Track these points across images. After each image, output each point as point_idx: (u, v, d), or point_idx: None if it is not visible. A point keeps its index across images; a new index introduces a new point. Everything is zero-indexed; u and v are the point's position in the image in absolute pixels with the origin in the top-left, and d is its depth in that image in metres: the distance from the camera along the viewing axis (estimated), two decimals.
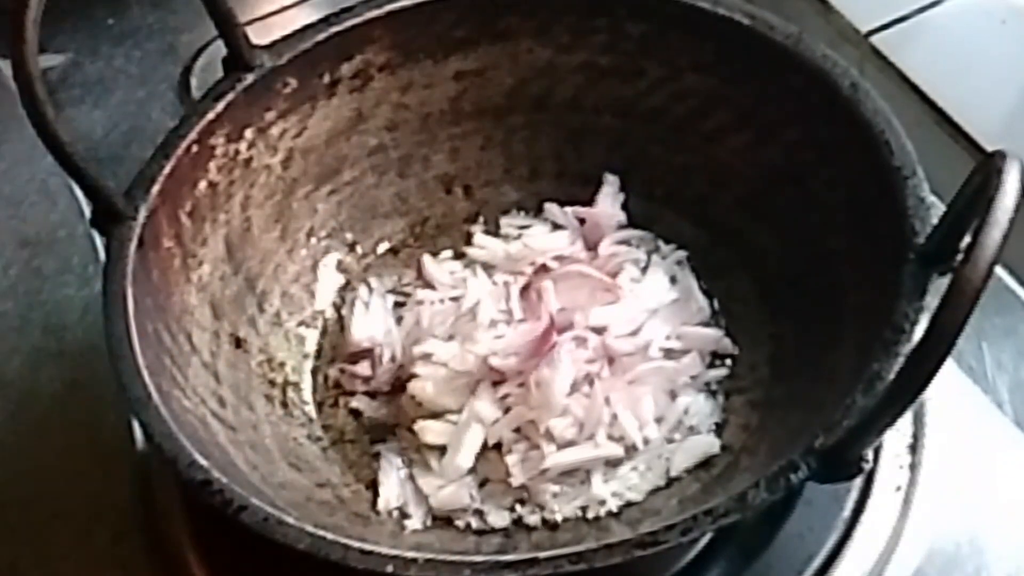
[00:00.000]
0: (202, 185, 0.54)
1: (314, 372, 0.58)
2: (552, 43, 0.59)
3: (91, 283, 0.65)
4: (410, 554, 0.41)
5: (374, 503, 0.53)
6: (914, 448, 0.54)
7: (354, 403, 0.57)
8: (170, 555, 0.54)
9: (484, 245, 0.61)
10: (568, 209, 0.61)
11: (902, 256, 0.44)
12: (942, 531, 0.51)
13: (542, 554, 0.40)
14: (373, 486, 0.54)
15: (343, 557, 0.41)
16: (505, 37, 0.59)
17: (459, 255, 0.62)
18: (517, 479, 0.51)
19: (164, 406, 0.45)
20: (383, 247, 0.63)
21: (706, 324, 0.57)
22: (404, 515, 0.52)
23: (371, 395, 0.57)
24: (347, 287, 0.61)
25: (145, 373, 0.46)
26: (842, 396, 0.42)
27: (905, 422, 0.54)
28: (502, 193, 0.63)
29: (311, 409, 0.57)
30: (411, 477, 0.53)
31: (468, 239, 0.62)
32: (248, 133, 0.56)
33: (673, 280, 0.58)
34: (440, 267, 0.61)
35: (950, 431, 0.54)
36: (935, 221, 0.44)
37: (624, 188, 0.61)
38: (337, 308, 0.61)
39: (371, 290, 0.61)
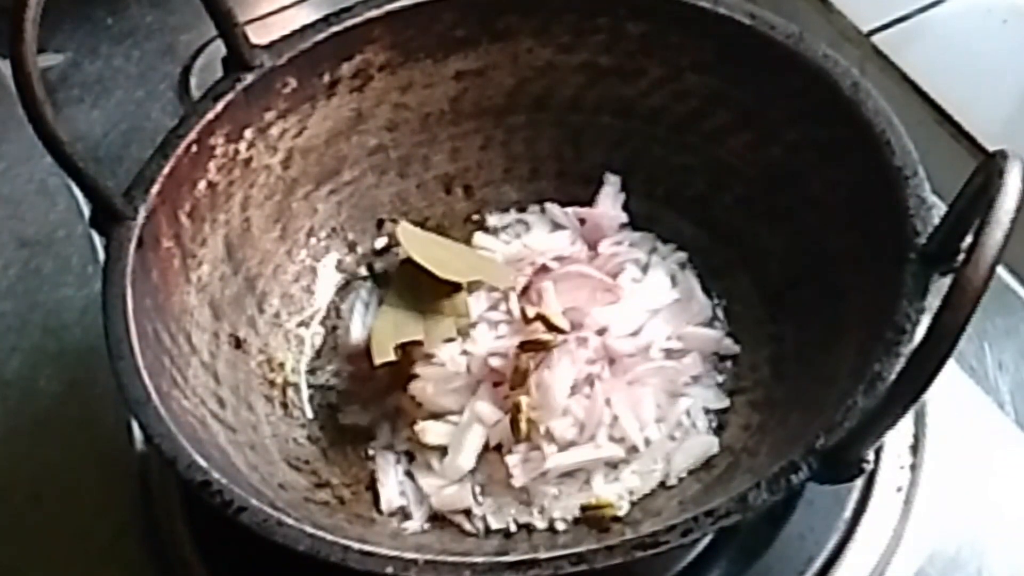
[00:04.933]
0: (202, 185, 0.54)
1: (314, 372, 0.58)
2: (552, 43, 0.59)
3: (90, 283, 0.65)
4: (410, 555, 0.41)
5: (374, 503, 0.53)
6: (915, 449, 0.54)
7: (354, 403, 0.57)
8: (170, 555, 0.54)
9: (484, 245, 0.61)
10: (569, 209, 0.61)
11: (903, 256, 0.44)
12: (943, 532, 0.51)
13: (542, 555, 0.40)
14: (373, 486, 0.53)
15: (343, 558, 0.40)
16: (505, 37, 0.59)
17: None
18: (518, 480, 0.51)
19: (163, 407, 0.45)
20: (383, 247, 0.62)
21: (707, 324, 0.57)
22: (405, 516, 0.52)
23: (371, 395, 0.57)
24: (347, 287, 0.61)
25: (144, 374, 0.45)
26: (843, 397, 0.42)
27: (906, 423, 0.54)
28: (502, 193, 0.63)
29: (310, 410, 0.57)
30: (411, 477, 0.53)
31: (468, 239, 0.62)
32: (248, 133, 0.56)
33: (674, 280, 0.58)
34: None
35: (951, 432, 0.54)
36: (936, 221, 0.44)
37: (624, 188, 0.61)
38: (337, 308, 0.61)
39: (371, 290, 0.61)
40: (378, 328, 0.56)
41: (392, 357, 0.54)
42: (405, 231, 0.59)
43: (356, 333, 0.59)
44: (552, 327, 0.53)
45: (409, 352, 0.56)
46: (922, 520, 0.51)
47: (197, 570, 0.53)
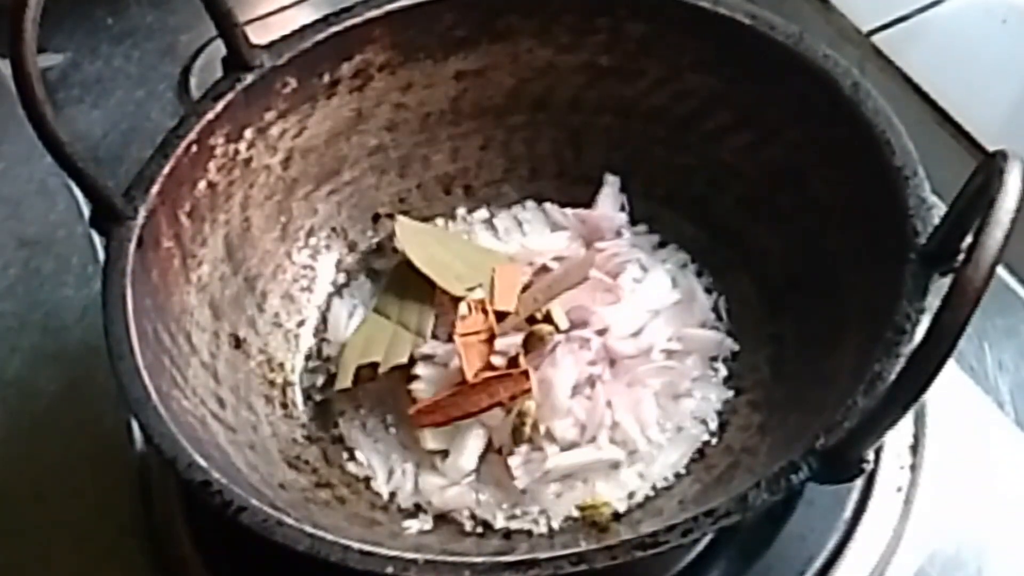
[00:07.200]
0: (202, 185, 0.54)
1: (314, 372, 0.58)
2: (552, 43, 0.59)
3: (90, 283, 0.65)
4: (410, 555, 0.40)
5: (374, 503, 0.53)
6: (915, 449, 0.54)
7: (354, 403, 0.57)
8: (170, 555, 0.54)
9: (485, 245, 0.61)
10: (569, 211, 0.61)
11: (903, 256, 0.44)
12: (943, 532, 0.51)
13: (543, 555, 0.40)
14: (373, 486, 0.53)
15: (343, 558, 0.40)
16: (505, 37, 0.59)
17: None
18: (520, 481, 0.51)
19: (163, 407, 0.45)
20: (380, 242, 0.62)
21: (707, 325, 0.57)
22: (405, 515, 0.52)
23: (371, 395, 0.57)
24: (347, 286, 0.61)
25: (144, 374, 0.45)
26: (843, 397, 0.42)
27: (906, 423, 0.54)
28: (502, 193, 0.63)
29: (310, 409, 0.57)
30: (413, 476, 0.53)
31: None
32: (248, 133, 0.56)
33: (674, 281, 0.58)
34: None
35: (951, 432, 0.54)
36: (936, 221, 0.44)
37: (624, 188, 0.61)
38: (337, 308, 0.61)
39: (371, 290, 0.61)
40: (349, 347, 0.56)
41: (348, 385, 0.54)
42: (403, 227, 0.59)
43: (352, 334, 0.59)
44: (552, 323, 0.53)
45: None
46: (922, 520, 0.51)
47: (197, 570, 0.53)
